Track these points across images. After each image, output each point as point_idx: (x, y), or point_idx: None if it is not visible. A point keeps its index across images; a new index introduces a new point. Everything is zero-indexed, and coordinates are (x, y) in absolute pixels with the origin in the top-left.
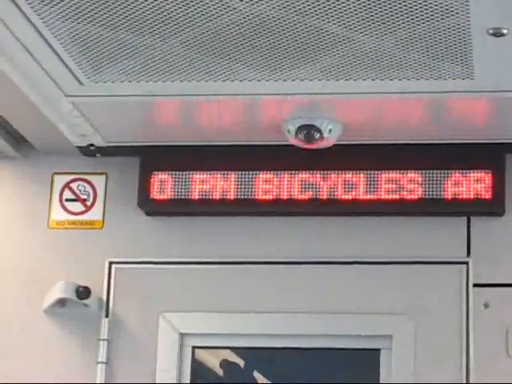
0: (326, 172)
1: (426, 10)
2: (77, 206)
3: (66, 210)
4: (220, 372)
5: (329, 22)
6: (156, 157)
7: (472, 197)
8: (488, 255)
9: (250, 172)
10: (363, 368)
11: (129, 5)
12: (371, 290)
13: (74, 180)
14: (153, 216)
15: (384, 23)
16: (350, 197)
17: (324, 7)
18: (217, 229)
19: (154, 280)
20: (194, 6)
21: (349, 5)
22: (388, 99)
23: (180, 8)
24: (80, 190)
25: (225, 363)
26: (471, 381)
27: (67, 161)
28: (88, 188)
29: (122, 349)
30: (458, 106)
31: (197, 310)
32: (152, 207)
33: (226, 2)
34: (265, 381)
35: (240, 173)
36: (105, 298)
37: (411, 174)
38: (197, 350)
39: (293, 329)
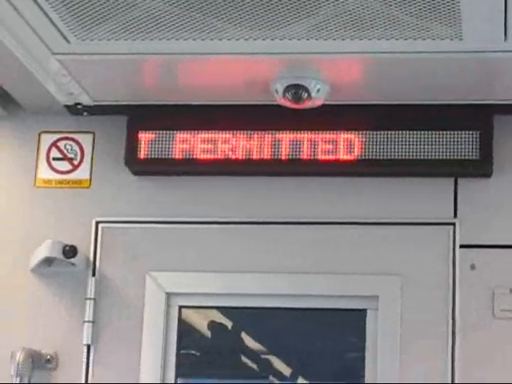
0: (313, 132)
1: None
2: (64, 165)
3: (52, 168)
4: (207, 332)
5: None
6: (143, 116)
7: (460, 158)
8: (475, 217)
9: (238, 131)
10: (350, 328)
11: None
12: (357, 251)
13: (61, 139)
14: (140, 175)
15: None
16: (337, 157)
17: None
18: (204, 188)
19: (141, 239)
20: None
21: None
22: (375, 59)
23: None
24: (67, 149)
25: (212, 324)
26: (457, 342)
27: (54, 119)
28: (75, 147)
29: (108, 308)
30: (446, 66)
31: (184, 269)
32: (139, 166)
33: None
34: (252, 341)
35: (227, 132)
36: (92, 257)
37: (399, 135)
38: (185, 311)
39: (279, 289)
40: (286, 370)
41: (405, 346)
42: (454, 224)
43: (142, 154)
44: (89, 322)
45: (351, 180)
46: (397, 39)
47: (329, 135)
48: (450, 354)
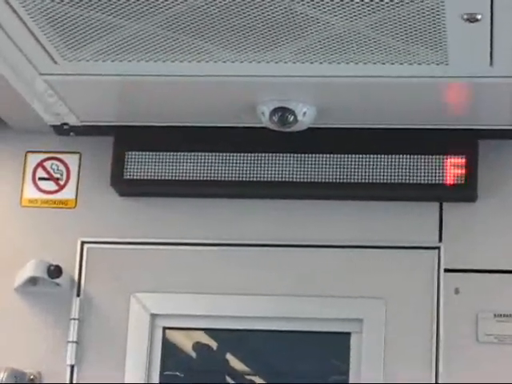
0: (299, 155)
1: None
2: (50, 185)
3: (38, 188)
4: (192, 353)
5: (303, 3)
6: (130, 137)
7: (445, 182)
8: (459, 241)
9: (224, 154)
10: (334, 351)
11: None
12: (342, 274)
13: (47, 159)
14: (126, 196)
15: (358, 5)
16: (323, 180)
17: None
18: (191, 210)
19: (126, 260)
20: None
21: None
22: (362, 83)
23: None
24: (53, 169)
25: (197, 345)
26: (441, 366)
27: (41, 139)
28: (61, 167)
29: (92, 328)
30: (432, 91)
31: (169, 291)
32: (125, 187)
33: None
34: (237, 362)
35: (214, 154)
36: (76, 277)
37: (384, 159)
38: (170, 332)
39: (263, 311)
40: None
41: (388, 370)
42: (438, 248)
43: (128, 174)
44: (73, 342)
45: (336, 203)
46: (383, 63)
47: (316, 158)
48: (433, 378)
